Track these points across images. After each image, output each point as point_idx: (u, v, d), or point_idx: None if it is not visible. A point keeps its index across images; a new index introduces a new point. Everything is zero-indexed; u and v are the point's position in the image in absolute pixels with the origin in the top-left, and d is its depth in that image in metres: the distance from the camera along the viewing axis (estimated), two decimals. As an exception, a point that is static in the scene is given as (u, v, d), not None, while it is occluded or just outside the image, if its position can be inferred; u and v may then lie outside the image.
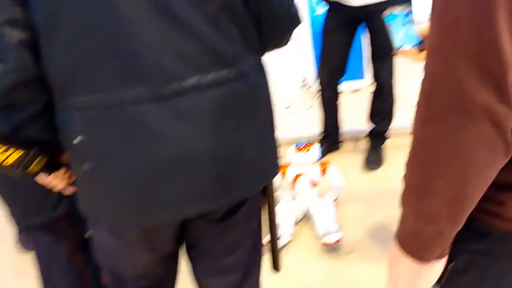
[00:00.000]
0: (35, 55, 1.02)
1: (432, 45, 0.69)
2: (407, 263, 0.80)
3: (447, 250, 0.80)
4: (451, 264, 0.84)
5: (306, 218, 2.69)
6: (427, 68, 0.69)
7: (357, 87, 4.06)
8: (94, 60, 1.00)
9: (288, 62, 4.68)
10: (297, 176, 2.61)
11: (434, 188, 0.71)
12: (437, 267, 0.81)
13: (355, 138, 3.43)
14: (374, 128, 3.14)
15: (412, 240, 0.79)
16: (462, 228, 0.75)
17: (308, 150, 2.60)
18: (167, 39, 1.00)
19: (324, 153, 3.25)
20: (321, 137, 3.31)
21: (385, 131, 3.11)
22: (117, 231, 1.19)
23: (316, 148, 2.62)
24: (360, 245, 2.44)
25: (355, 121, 3.45)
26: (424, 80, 0.70)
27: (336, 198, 2.64)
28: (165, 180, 1.06)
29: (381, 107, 3.04)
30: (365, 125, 3.19)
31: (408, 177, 0.76)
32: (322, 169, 2.64)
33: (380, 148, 3.13)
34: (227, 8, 1.05)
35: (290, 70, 4.56)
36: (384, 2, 2.59)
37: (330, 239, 2.37)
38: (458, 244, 0.80)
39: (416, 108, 0.72)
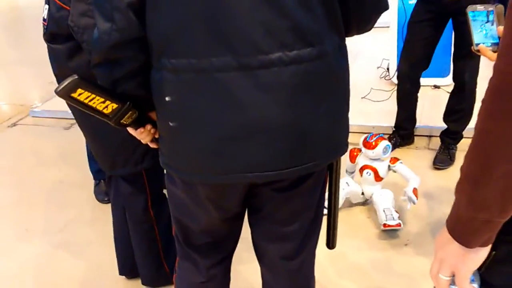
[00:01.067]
0: (140, 17, 1.13)
1: (504, 45, 0.73)
2: (453, 248, 0.86)
3: (492, 239, 0.84)
4: (493, 253, 0.88)
5: (367, 205, 2.74)
6: (496, 66, 0.74)
7: (439, 83, 3.99)
8: (190, 27, 1.10)
9: (371, 50, 4.68)
10: (365, 167, 2.64)
11: (490, 178, 0.76)
12: (481, 254, 0.86)
13: (429, 135, 3.41)
14: (448, 127, 3.11)
15: (461, 226, 0.84)
16: (507, 220, 0.80)
17: (376, 146, 2.57)
18: (258, 14, 1.08)
19: (396, 146, 3.26)
20: (393, 130, 3.31)
21: (460, 132, 3.07)
22: (190, 187, 1.30)
23: (385, 145, 2.59)
24: (417, 240, 2.47)
25: (431, 117, 3.42)
26: (492, 78, 0.74)
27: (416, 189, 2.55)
28: (240, 144, 1.15)
29: (459, 107, 2.99)
30: (441, 123, 3.15)
31: (465, 167, 0.81)
32: (391, 165, 2.63)
33: (452, 148, 3.10)
34: None
35: (372, 59, 4.54)
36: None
37: (392, 222, 2.43)
38: (502, 235, 0.84)
39: (482, 104, 0.77)
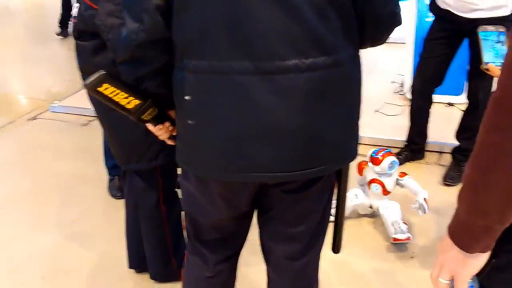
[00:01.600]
0: (166, 19, 1.20)
1: (507, 62, 0.78)
2: (453, 252, 0.90)
3: (492, 246, 0.88)
4: (492, 261, 0.92)
5: (374, 217, 2.77)
6: (499, 81, 0.79)
7: (452, 101, 4.02)
8: (213, 31, 1.16)
9: (387, 65, 4.72)
10: (372, 180, 2.66)
11: (489, 184, 0.81)
12: (480, 260, 0.90)
13: (440, 151, 3.44)
14: (460, 144, 3.14)
15: (462, 232, 0.89)
16: (507, 229, 0.84)
17: (382, 161, 2.59)
18: (278, 22, 1.13)
19: (406, 160, 3.29)
20: (404, 144, 3.35)
21: (472, 149, 3.08)
22: (204, 183, 1.36)
23: (390, 160, 2.60)
24: (423, 253, 2.49)
25: (443, 134, 3.45)
26: (495, 91, 0.79)
27: (425, 199, 2.53)
28: (253, 145, 1.20)
29: (472, 125, 3.01)
30: (453, 140, 3.18)
31: (467, 174, 0.86)
32: (399, 178, 2.65)
33: (462, 165, 3.12)
34: (335, 2, 1.16)
35: (387, 73, 4.59)
36: (495, 18, 2.58)
37: (401, 236, 2.46)
38: (502, 244, 0.89)
39: (484, 115, 0.82)
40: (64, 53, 5.59)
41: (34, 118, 4.33)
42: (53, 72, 5.43)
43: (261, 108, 1.17)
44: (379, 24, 1.27)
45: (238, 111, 1.19)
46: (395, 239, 2.47)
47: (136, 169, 2.00)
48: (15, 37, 6.66)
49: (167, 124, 1.41)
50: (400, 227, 2.49)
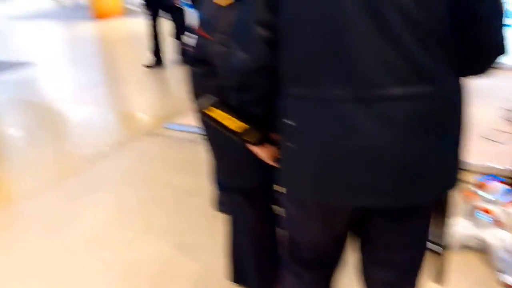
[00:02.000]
0: (272, 49, 1.28)
1: None
2: None
3: None
4: None
5: (482, 250, 2.65)
6: None
7: None
8: (316, 60, 1.23)
9: (497, 91, 4.51)
10: (480, 209, 2.55)
11: None
12: None
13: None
14: None
15: None
16: None
17: (492, 188, 2.49)
18: (380, 52, 1.17)
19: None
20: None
21: None
22: (303, 204, 1.41)
23: (502, 188, 2.49)
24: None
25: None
26: None
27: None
28: (351, 170, 1.24)
29: None
30: None
31: None
32: (508, 209, 2.52)
33: None
34: (438, 32, 1.18)
35: (497, 99, 4.38)
36: None
37: None
38: None
39: None
40: (178, 77, 5.98)
41: (150, 134, 4.67)
42: (168, 94, 5.87)
43: (362, 135, 1.21)
44: (482, 54, 1.26)
45: (338, 137, 1.23)
46: (507, 285, 2.33)
47: (237, 187, 2.10)
48: (139, 59, 7.23)
49: (270, 146, 1.49)
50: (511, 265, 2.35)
